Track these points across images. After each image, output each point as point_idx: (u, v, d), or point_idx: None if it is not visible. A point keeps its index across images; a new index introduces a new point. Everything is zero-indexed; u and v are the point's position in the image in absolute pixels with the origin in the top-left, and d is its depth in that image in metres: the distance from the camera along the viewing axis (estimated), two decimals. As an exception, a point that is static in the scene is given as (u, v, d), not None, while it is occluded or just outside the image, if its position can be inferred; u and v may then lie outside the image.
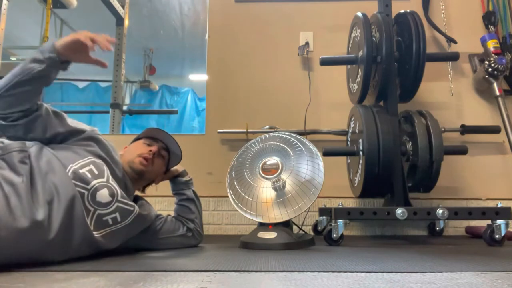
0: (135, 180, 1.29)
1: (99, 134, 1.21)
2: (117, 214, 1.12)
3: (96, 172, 1.10)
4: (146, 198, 1.38)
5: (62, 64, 1.09)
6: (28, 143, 1.07)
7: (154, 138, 1.37)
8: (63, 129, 1.15)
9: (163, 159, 1.38)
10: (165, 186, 1.49)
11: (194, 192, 1.49)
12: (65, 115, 1.18)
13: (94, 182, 1.07)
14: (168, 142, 1.39)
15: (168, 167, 1.43)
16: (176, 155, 1.41)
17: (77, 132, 1.17)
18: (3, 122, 1.07)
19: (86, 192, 1.05)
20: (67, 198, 1.00)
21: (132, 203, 1.18)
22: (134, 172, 1.27)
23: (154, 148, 1.32)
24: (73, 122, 1.20)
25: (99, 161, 1.14)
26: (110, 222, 1.11)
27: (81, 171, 1.07)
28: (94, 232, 1.07)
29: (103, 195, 1.08)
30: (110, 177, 1.13)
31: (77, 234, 1.03)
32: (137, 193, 1.37)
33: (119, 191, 1.13)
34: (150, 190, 1.45)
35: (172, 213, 1.47)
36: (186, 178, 1.50)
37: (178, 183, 1.49)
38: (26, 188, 0.95)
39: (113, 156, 1.21)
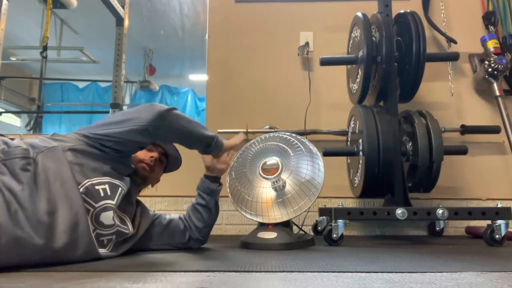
0: (137, 184, 1.30)
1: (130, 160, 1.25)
2: (114, 236, 1.12)
3: (109, 193, 1.08)
4: (146, 198, 1.38)
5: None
6: (38, 147, 1.03)
7: (154, 144, 1.36)
8: None
9: (162, 165, 1.38)
10: (165, 186, 1.49)
11: (216, 202, 1.40)
12: None
13: (103, 202, 1.06)
14: (166, 148, 1.38)
15: (165, 171, 1.42)
16: (175, 160, 1.41)
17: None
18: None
19: (91, 210, 1.04)
20: (71, 211, 0.98)
21: (128, 226, 1.17)
22: (138, 177, 1.28)
23: (155, 154, 1.32)
24: None
25: (117, 182, 1.12)
26: (105, 242, 1.10)
27: (96, 187, 1.06)
28: (100, 250, 1.06)
29: (107, 217, 1.07)
30: (119, 201, 1.11)
31: (81, 247, 1.00)
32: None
33: (117, 221, 1.12)
34: (151, 190, 1.44)
35: (173, 213, 1.46)
36: (215, 187, 1.39)
37: (206, 186, 1.39)
38: (27, 197, 0.92)
39: (127, 174, 1.21)
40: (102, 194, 1.07)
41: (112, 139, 1.12)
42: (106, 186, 1.09)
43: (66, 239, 0.96)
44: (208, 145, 1.27)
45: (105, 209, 1.06)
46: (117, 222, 1.11)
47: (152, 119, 1.11)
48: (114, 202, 1.09)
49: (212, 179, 1.40)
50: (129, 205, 1.22)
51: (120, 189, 1.12)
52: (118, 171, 1.15)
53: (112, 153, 1.14)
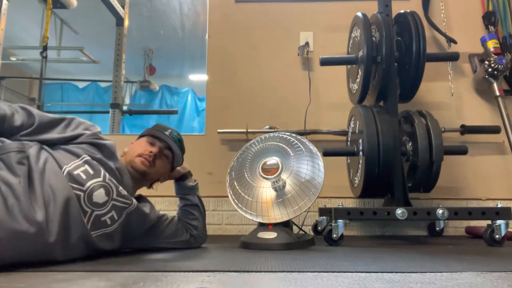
0: (137, 179, 1.28)
1: (96, 138, 1.17)
2: (113, 212, 1.11)
3: (91, 172, 1.08)
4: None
5: None
6: (27, 143, 1.06)
7: (158, 137, 1.34)
8: (57, 136, 1.13)
9: (167, 159, 1.35)
10: (165, 186, 1.48)
11: (199, 197, 1.46)
12: (62, 122, 1.16)
13: (89, 183, 1.06)
14: (170, 143, 1.36)
15: (173, 166, 1.40)
16: (179, 155, 1.39)
17: (74, 137, 1.15)
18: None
19: (82, 194, 1.04)
20: (62, 200, 1.00)
21: (130, 200, 1.16)
22: (136, 172, 1.26)
23: (154, 149, 1.30)
24: (73, 128, 1.17)
25: (94, 161, 1.12)
26: (109, 221, 1.10)
27: (75, 172, 1.05)
28: (92, 233, 1.06)
29: (99, 195, 1.07)
30: (107, 175, 1.12)
31: (75, 235, 1.02)
32: (142, 192, 1.36)
33: (114, 189, 1.12)
34: (151, 190, 1.44)
35: (173, 213, 1.46)
36: (191, 183, 1.45)
37: (183, 187, 1.45)
38: (24, 190, 0.94)
39: (111, 157, 1.18)
40: (84, 176, 1.07)
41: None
42: (87, 167, 1.09)
43: (60, 228, 0.98)
44: None
45: (94, 189, 1.07)
46: (113, 196, 1.10)
47: None
48: (101, 179, 1.09)
49: (184, 178, 1.45)
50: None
51: (101, 167, 1.11)
52: (81, 152, 1.12)
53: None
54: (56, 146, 1.11)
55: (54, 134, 1.13)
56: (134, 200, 1.18)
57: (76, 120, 1.19)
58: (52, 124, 1.14)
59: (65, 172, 1.04)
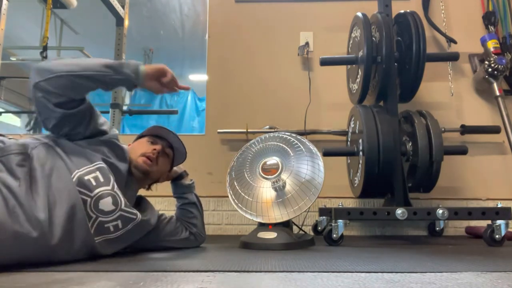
0: (139, 179, 1.27)
1: (115, 139, 1.20)
2: (119, 222, 1.11)
3: (101, 179, 1.08)
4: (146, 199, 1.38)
5: (133, 86, 1.17)
6: (31, 143, 1.05)
7: (159, 136, 1.34)
8: (93, 129, 1.16)
9: (168, 158, 1.35)
10: (165, 186, 1.49)
11: (196, 195, 1.47)
12: (98, 112, 1.19)
13: (98, 190, 1.06)
14: (172, 140, 1.36)
15: (173, 166, 1.40)
16: (180, 153, 1.39)
17: (99, 133, 1.17)
18: (46, 102, 1.05)
19: (89, 200, 1.04)
20: (69, 203, 0.99)
21: (135, 211, 1.16)
22: (139, 171, 1.25)
23: (158, 147, 1.29)
24: (102, 121, 1.20)
25: (106, 167, 1.11)
26: (112, 229, 1.10)
27: (86, 178, 1.05)
28: (95, 238, 1.06)
29: (106, 203, 1.07)
30: (116, 185, 1.11)
31: (78, 239, 1.02)
32: (141, 192, 1.36)
33: (123, 200, 1.11)
34: (151, 190, 1.44)
35: (173, 213, 1.46)
36: (188, 182, 1.47)
37: (180, 186, 1.46)
38: (25, 192, 0.93)
39: (124, 160, 1.19)
40: (94, 183, 1.06)
41: (50, 124, 1.10)
42: (98, 174, 1.08)
43: (64, 232, 0.97)
44: (120, 72, 1.13)
45: (102, 196, 1.06)
46: (121, 206, 1.10)
47: (31, 82, 1.05)
48: (109, 188, 1.08)
49: (180, 178, 1.46)
50: (129, 200, 1.22)
51: (111, 174, 1.11)
52: (97, 156, 1.13)
53: (72, 138, 1.13)
54: (72, 147, 1.10)
55: (93, 123, 1.16)
56: (138, 214, 1.18)
57: (102, 117, 1.22)
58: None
59: (75, 177, 1.03)
